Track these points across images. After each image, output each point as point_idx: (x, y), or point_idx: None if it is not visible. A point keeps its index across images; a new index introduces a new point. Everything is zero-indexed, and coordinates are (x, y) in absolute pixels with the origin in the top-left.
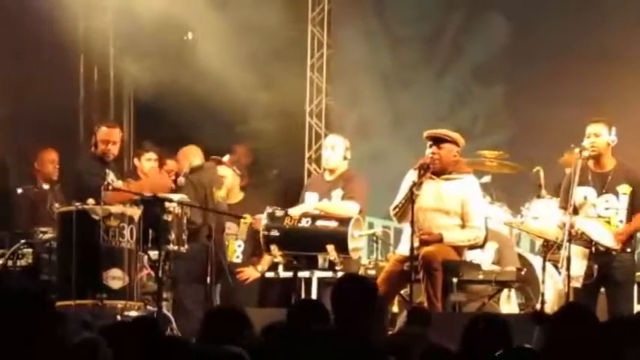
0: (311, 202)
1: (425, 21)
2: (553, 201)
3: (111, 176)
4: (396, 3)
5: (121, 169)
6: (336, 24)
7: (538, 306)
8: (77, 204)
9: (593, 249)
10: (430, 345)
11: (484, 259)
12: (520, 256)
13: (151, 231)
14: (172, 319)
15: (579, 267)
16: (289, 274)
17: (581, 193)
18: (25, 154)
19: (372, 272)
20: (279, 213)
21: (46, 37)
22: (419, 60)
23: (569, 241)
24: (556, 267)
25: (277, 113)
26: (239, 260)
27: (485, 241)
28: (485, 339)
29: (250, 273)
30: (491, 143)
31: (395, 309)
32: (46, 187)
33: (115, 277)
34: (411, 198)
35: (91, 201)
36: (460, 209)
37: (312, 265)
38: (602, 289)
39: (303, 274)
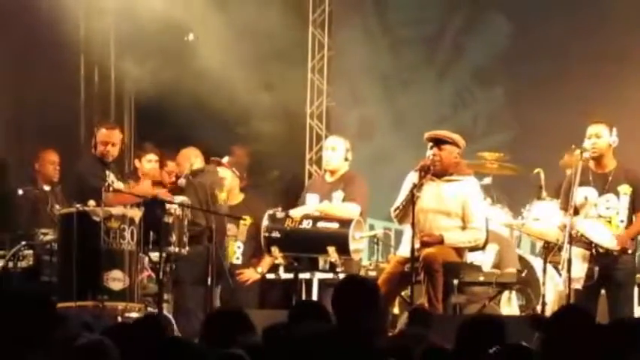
0: (312, 203)
1: (425, 22)
2: (554, 203)
3: (111, 178)
4: (396, 4)
5: (122, 171)
6: (336, 25)
7: (539, 308)
8: (78, 205)
9: (594, 251)
10: (431, 346)
11: (485, 260)
12: (521, 258)
13: (151, 233)
14: (173, 320)
15: (580, 269)
16: (290, 275)
17: (582, 194)
18: (26, 156)
19: (373, 274)
20: (279, 214)
21: (47, 37)
22: (419, 61)
23: (570, 242)
24: (557, 269)
25: (278, 114)
26: (239, 262)
27: (486, 242)
28: (478, 340)
29: (250, 274)
30: (492, 144)
31: (396, 310)
32: (46, 188)
33: (116, 279)
34: (411, 199)
35: (91, 202)
36: (461, 211)
37: (313, 266)
38: (603, 291)
39: (304, 275)
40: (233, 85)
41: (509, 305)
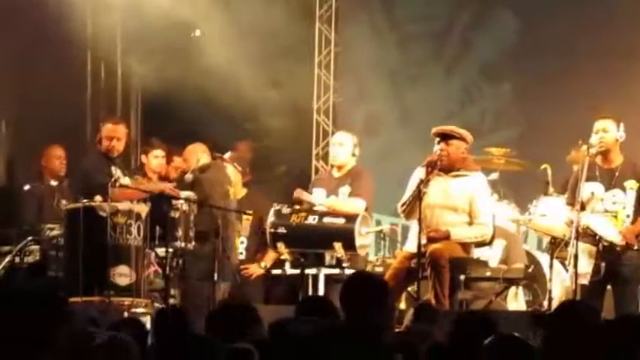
0: (318, 198)
1: (433, 18)
2: (560, 198)
3: (117, 173)
4: (404, 0)
5: (128, 166)
6: (343, 21)
7: (545, 303)
8: (84, 201)
9: (600, 246)
10: (436, 342)
11: (491, 256)
12: (527, 254)
13: (158, 228)
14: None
15: (587, 264)
16: (296, 271)
17: (588, 189)
18: (32, 151)
19: (380, 269)
20: (285, 210)
21: (54, 34)
22: (427, 57)
23: (577, 238)
24: (563, 264)
25: (285, 110)
26: (242, 257)
27: (493, 238)
28: (471, 335)
29: (254, 269)
30: (499, 140)
31: (402, 306)
32: (53, 183)
33: (122, 274)
34: (418, 195)
35: (98, 198)
36: (468, 206)
37: (320, 262)
38: (609, 287)
39: (310, 271)
40: (240, 81)
41: (516, 301)
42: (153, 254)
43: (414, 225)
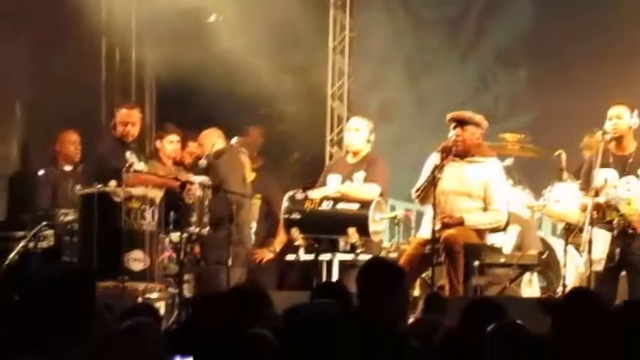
0: (333, 184)
1: (448, 3)
2: (575, 184)
3: (132, 158)
4: None
5: (143, 151)
6: (358, 6)
7: (560, 289)
8: (99, 186)
9: (615, 232)
10: (448, 331)
11: (506, 242)
12: (542, 240)
13: (172, 213)
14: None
15: (601, 250)
16: (310, 256)
17: (602, 176)
18: (46, 137)
19: (394, 255)
20: (299, 196)
21: (69, 19)
22: (442, 43)
23: (591, 224)
24: (578, 250)
25: (299, 96)
26: (252, 242)
27: (507, 224)
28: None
29: (264, 254)
30: (513, 126)
31: (416, 292)
32: (67, 168)
33: (136, 260)
34: (433, 181)
35: (112, 183)
36: (482, 192)
37: (334, 247)
38: (624, 273)
39: (324, 256)
40: (255, 67)
41: (531, 287)
42: (167, 239)
43: (428, 211)
